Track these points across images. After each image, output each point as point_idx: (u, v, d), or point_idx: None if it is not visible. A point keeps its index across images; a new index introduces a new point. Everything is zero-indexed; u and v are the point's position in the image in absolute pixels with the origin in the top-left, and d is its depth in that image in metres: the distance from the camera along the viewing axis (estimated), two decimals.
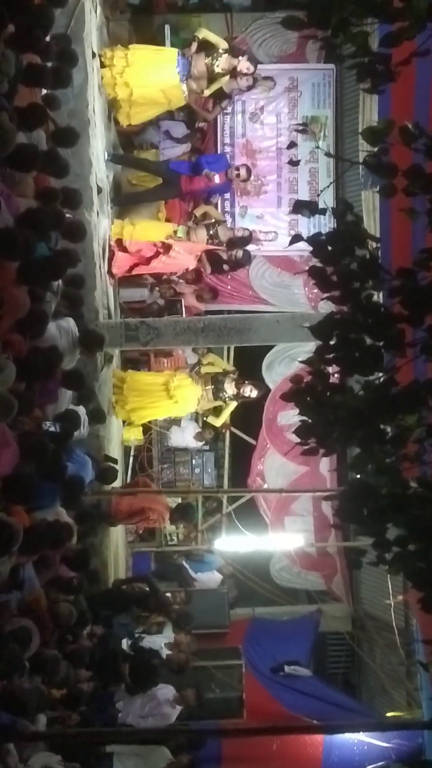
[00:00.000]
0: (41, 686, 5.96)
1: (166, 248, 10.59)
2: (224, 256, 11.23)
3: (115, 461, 9.42)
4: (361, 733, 9.88)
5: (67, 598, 6.65)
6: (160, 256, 10.64)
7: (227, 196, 12.14)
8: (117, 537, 10.95)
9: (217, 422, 11.71)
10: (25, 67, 6.40)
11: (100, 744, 7.53)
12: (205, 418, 11.97)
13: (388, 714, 11.20)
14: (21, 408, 5.72)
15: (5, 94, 6.04)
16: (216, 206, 11.98)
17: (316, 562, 12.64)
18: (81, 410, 7.56)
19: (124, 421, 11.68)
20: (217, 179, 11.18)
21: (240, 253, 11.25)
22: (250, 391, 11.25)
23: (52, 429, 6.91)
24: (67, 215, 7.31)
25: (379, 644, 11.97)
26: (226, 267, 11.30)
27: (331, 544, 12.40)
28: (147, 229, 10.94)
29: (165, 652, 9.59)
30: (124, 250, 10.51)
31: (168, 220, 11.54)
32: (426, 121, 5.47)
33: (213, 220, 11.48)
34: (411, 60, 3.78)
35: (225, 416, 11.63)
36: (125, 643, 9.14)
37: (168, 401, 11.05)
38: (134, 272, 10.86)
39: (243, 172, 11.36)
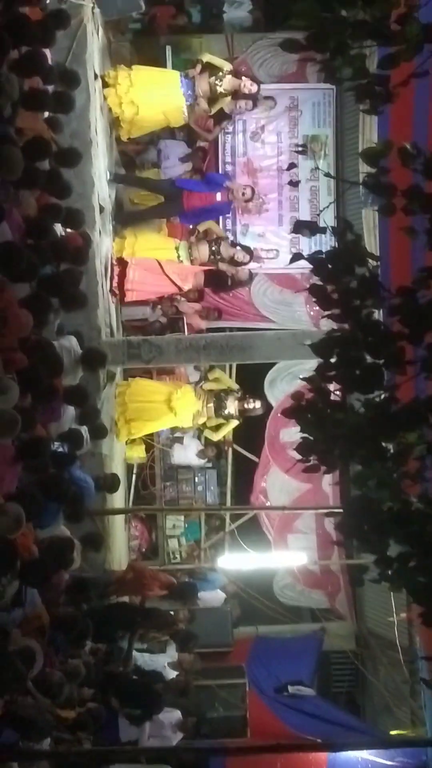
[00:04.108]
0: (48, 707, 5.96)
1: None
2: (230, 270, 11.26)
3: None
4: (365, 751, 9.85)
5: (68, 612, 6.65)
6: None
7: (229, 214, 12.18)
8: (120, 555, 10.95)
9: (215, 437, 11.71)
10: (28, 91, 6.46)
11: (102, 763, 7.51)
12: (203, 433, 11.97)
13: (393, 732, 11.16)
14: (24, 424, 5.75)
15: (8, 118, 6.10)
16: (217, 223, 12.03)
17: (319, 579, 12.61)
18: (83, 428, 7.59)
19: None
20: (219, 197, 11.24)
21: (244, 273, 11.29)
22: (254, 403, 11.27)
23: (60, 450, 6.94)
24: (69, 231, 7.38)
25: (383, 662, 11.94)
26: (229, 281, 11.33)
27: (334, 561, 12.37)
28: (149, 243, 11.00)
29: (168, 672, 9.57)
30: (123, 263, 10.56)
31: (170, 237, 11.60)
32: (424, 141, 5.51)
33: (215, 237, 11.54)
34: (409, 81, 3.82)
35: (224, 431, 11.64)
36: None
37: (168, 414, 11.06)
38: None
39: (249, 192, 11.43)
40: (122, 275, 10.52)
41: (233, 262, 11.22)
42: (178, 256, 11.03)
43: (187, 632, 9.84)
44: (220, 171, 12.06)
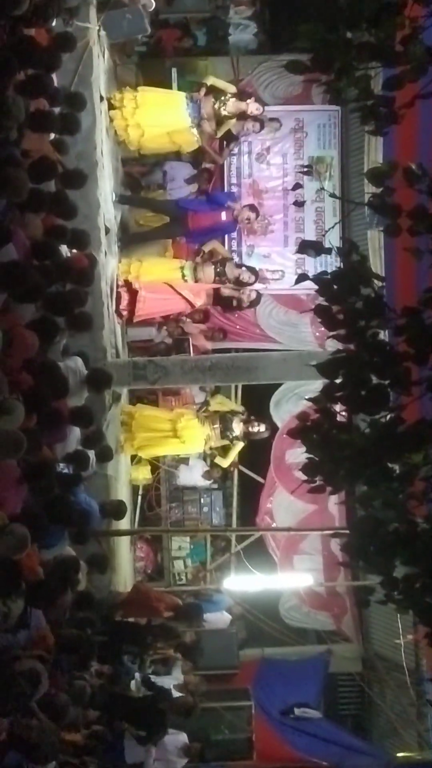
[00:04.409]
0: (53, 729, 5.92)
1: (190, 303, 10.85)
2: (233, 294, 11.28)
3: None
4: None
5: (73, 633, 6.62)
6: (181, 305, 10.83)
7: (234, 235, 12.22)
8: (125, 576, 10.92)
9: (224, 463, 11.68)
10: (34, 113, 6.49)
11: None
12: (212, 459, 11.95)
13: (399, 755, 11.08)
14: (29, 445, 5.74)
15: (15, 140, 6.13)
16: (223, 244, 12.05)
17: (325, 601, 12.56)
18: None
19: (132, 459, 11.69)
20: (224, 216, 11.27)
21: (252, 295, 11.30)
22: (259, 426, 11.26)
23: (65, 471, 6.93)
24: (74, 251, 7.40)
25: (389, 685, 11.87)
26: (234, 303, 11.35)
27: (340, 583, 12.33)
28: (154, 266, 11.04)
29: (174, 694, 9.53)
30: (132, 290, 10.58)
31: (175, 258, 11.62)
32: (429, 162, 5.52)
33: (220, 258, 11.55)
34: (414, 102, 3.84)
35: (232, 456, 11.61)
36: (134, 685, 9.09)
37: (175, 440, 11.07)
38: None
39: (252, 216, 11.44)
40: (132, 302, 10.55)
41: (238, 282, 11.22)
42: (183, 276, 11.04)
43: (192, 643, 9.80)
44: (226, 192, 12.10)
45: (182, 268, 11.08)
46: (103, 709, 7.71)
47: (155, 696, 8.84)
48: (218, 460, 11.70)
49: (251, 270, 11.36)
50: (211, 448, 11.45)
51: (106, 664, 8.41)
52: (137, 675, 9.13)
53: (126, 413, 11.03)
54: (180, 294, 10.76)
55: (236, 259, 11.99)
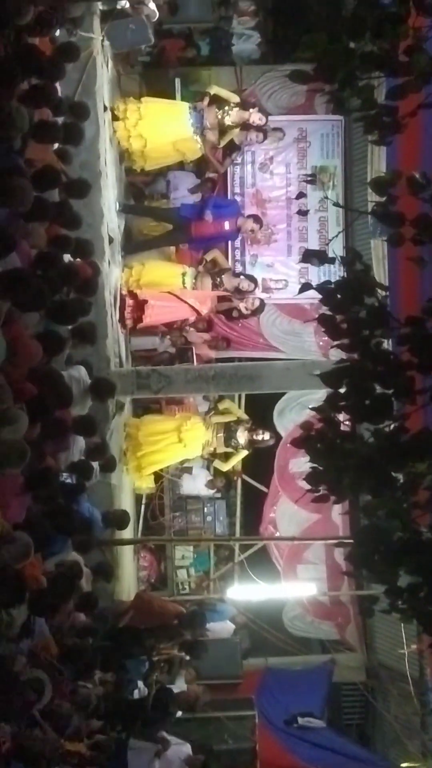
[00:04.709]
0: (56, 739, 5.91)
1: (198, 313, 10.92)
2: (234, 304, 11.29)
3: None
4: None
5: (76, 642, 6.61)
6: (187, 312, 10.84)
7: (237, 244, 12.24)
8: (128, 585, 10.90)
9: (224, 467, 11.68)
10: (37, 123, 6.51)
11: None
12: (212, 464, 11.94)
13: (403, 765, 11.04)
14: (32, 455, 5.74)
15: (18, 150, 6.14)
16: (226, 253, 12.06)
17: (329, 611, 12.54)
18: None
19: None
20: (227, 225, 11.27)
21: (255, 303, 11.31)
22: (263, 434, 11.25)
23: (68, 480, 6.93)
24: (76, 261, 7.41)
25: (393, 694, 11.83)
26: (235, 314, 11.37)
27: (344, 592, 12.31)
28: (157, 269, 11.05)
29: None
30: (136, 299, 10.60)
31: (179, 264, 11.64)
32: None
33: (219, 269, 11.56)
34: (417, 112, 3.85)
35: (233, 462, 11.61)
36: (137, 694, 9.08)
37: (178, 445, 11.06)
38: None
39: (255, 226, 11.44)
40: (137, 310, 10.56)
41: (238, 291, 11.24)
42: (183, 283, 11.05)
43: (196, 640, 9.78)
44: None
45: (184, 274, 11.10)
46: (106, 717, 7.70)
47: (157, 694, 8.84)
48: (218, 464, 11.70)
49: (249, 278, 11.38)
50: (211, 454, 11.45)
51: (110, 672, 8.40)
52: (140, 683, 9.12)
53: (131, 426, 11.04)
54: (186, 302, 10.78)
55: (239, 268, 12.01)
